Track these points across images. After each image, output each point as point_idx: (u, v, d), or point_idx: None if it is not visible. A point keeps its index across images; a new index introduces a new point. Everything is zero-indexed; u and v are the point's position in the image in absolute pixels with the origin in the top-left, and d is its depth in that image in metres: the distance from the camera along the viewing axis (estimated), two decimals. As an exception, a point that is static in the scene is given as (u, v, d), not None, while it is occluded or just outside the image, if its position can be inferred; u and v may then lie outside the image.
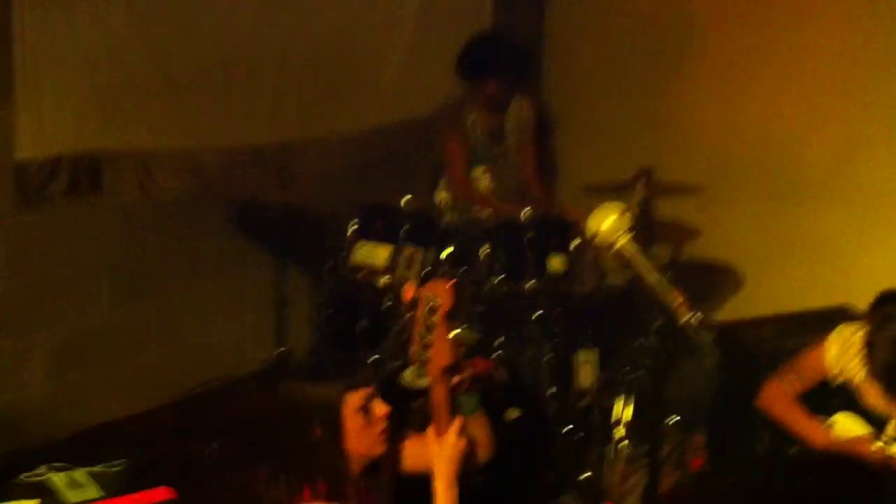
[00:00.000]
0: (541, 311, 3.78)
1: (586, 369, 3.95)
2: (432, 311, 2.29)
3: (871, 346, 2.96)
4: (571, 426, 3.63)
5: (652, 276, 2.03)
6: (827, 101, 4.57)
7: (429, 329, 2.30)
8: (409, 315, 2.39)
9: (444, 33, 5.05)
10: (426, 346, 2.31)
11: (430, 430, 2.35)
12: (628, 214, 2.05)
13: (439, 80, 4.97)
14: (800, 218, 4.69)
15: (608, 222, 2.04)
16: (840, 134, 4.55)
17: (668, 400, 4.05)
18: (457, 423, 2.32)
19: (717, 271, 5.03)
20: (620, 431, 3.74)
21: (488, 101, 4.56)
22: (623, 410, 3.79)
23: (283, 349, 4.10)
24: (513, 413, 3.51)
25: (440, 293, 2.30)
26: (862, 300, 3.55)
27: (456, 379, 2.34)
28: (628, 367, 3.99)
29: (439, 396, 2.31)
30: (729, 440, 3.94)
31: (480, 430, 2.44)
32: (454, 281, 3.49)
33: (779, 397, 3.27)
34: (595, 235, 2.05)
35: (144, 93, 4.04)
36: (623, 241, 2.04)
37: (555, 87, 5.79)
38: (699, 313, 1.98)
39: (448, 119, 4.63)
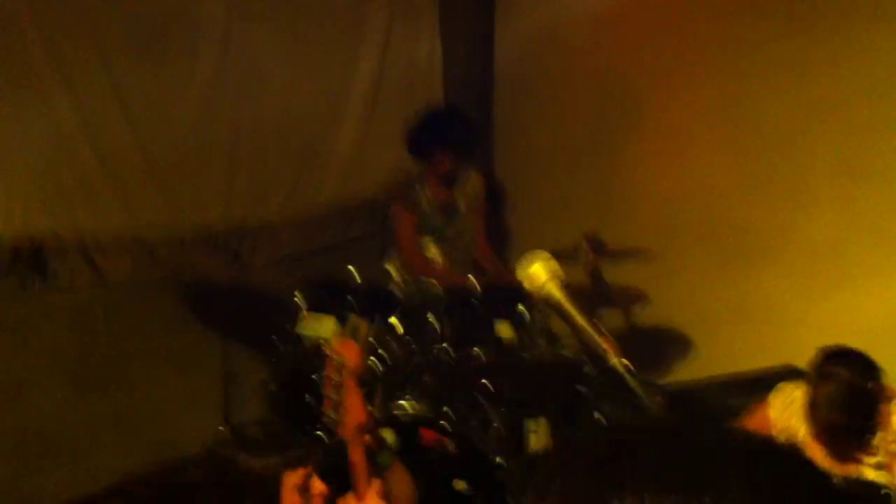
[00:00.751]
0: (487, 380, 3.76)
1: (535, 438, 3.92)
2: (339, 368, 2.29)
3: (813, 405, 2.98)
4: (521, 496, 3.56)
5: (579, 321, 2.05)
6: (768, 162, 4.62)
7: (338, 389, 2.29)
8: (321, 376, 2.39)
9: (395, 110, 5.16)
10: (337, 407, 2.30)
11: (350, 497, 2.32)
12: (554, 261, 2.09)
13: (390, 156, 5.08)
14: (746, 279, 4.70)
15: (535, 268, 2.08)
16: (782, 193, 4.58)
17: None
18: (375, 486, 2.29)
19: (666, 334, 5.04)
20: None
21: (439, 175, 4.63)
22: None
23: (224, 426, 4.04)
24: (460, 484, 3.47)
25: (347, 351, 2.30)
26: (807, 360, 3.59)
27: (367, 438, 2.32)
28: (578, 436, 3.96)
29: (356, 457, 2.29)
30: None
31: (401, 484, 2.42)
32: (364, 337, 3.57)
33: None
34: (523, 281, 2.09)
35: (91, 184, 4.10)
36: (550, 286, 2.07)
37: (504, 159, 5.90)
38: (626, 360, 2.00)
39: (399, 196, 4.68)
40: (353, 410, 2.28)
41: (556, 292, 2.08)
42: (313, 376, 3.62)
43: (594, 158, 5.35)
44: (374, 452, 2.34)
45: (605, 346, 2.03)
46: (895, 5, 4.03)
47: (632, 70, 5.15)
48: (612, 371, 2.03)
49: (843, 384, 2.93)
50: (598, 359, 2.05)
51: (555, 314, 2.13)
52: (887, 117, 4.10)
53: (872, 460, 3.05)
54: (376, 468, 2.33)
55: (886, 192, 4.15)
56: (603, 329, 2.06)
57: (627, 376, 2.02)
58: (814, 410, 2.97)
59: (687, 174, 4.94)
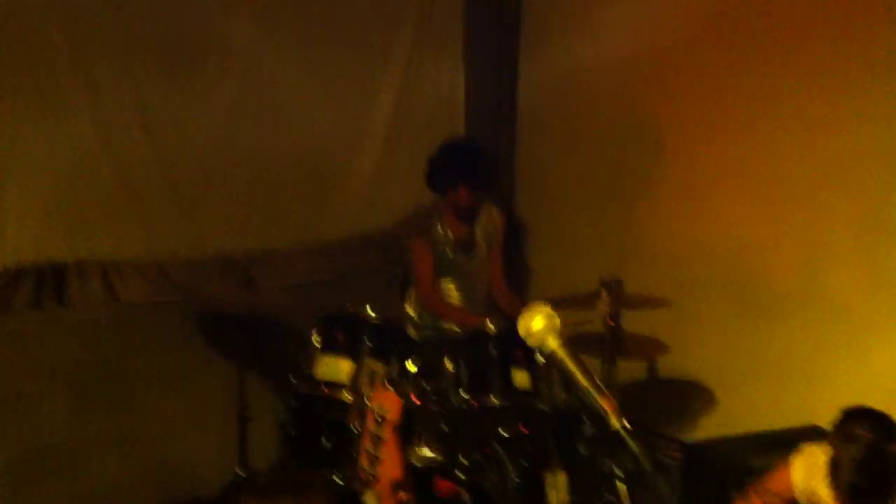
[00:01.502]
0: (504, 428, 3.71)
1: (553, 493, 3.87)
2: (380, 423, 2.23)
3: (835, 466, 2.94)
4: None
5: (583, 381, 1.99)
6: (791, 216, 4.58)
7: (376, 443, 2.23)
8: (358, 429, 2.34)
9: (416, 141, 5.13)
10: (374, 461, 2.24)
11: None
12: (556, 316, 2.02)
13: (409, 189, 5.03)
14: (766, 333, 4.65)
15: (536, 323, 2.02)
16: (803, 247, 4.54)
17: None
18: None
19: (687, 387, 4.99)
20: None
21: (458, 210, 4.57)
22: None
23: (240, 471, 4.00)
24: (476, 535, 3.42)
25: (389, 404, 2.24)
26: (828, 418, 3.54)
27: (403, 496, 2.26)
28: (598, 493, 3.91)
29: None
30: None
31: None
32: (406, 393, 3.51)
33: None
34: (522, 335, 2.03)
35: (110, 205, 4.06)
36: (553, 343, 2.01)
37: (525, 198, 5.85)
38: (629, 422, 1.94)
39: (417, 229, 4.62)
40: (389, 465, 2.23)
41: (558, 349, 2.02)
42: (333, 420, 3.59)
43: (616, 202, 5.32)
44: None
45: (605, 406, 1.97)
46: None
47: (656, 116, 5.12)
48: (612, 432, 1.98)
49: (867, 446, 2.88)
50: (599, 419, 1.99)
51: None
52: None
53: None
54: None
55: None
56: (604, 388, 2.00)
57: (628, 439, 1.96)
58: (836, 472, 2.92)
59: (708, 224, 4.90)
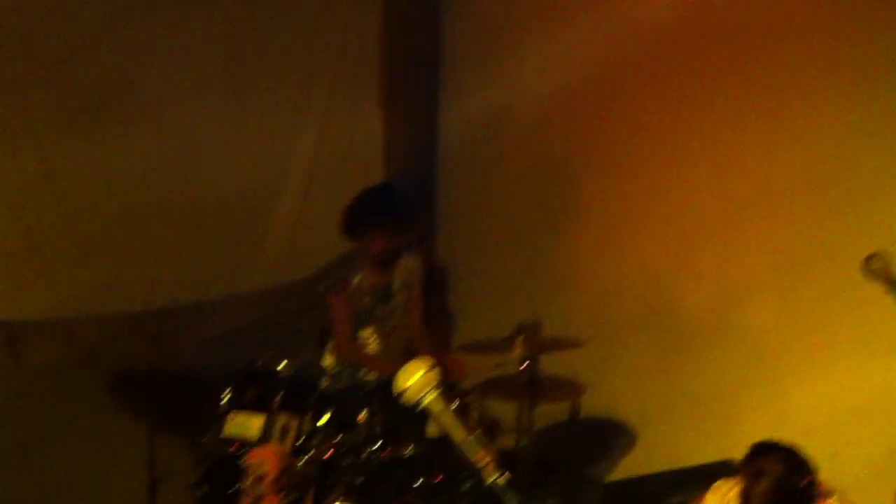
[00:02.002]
0: (422, 479, 3.65)
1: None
2: (259, 479, 2.19)
3: (745, 499, 2.93)
4: None
5: (459, 435, 1.99)
6: (705, 250, 4.63)
7: (256, 501, 2.19)
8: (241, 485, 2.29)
9: (333, 188, 5.08)
10: None
11: None
12: (434, 372, 2.03)
13: (327, 238, 4.98)
14: (684, 369, 4.68)
15: (413, 379, 2.02)
16: (718, 282, 4.60)
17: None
18: None
19: (607, 427, 4.99)
20: None
21: (375, 257, 4.52)
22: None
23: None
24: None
25: (267, 460, 2.20)
26: (744, 452, 3.56)
27: None
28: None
29: None
30: None
31: None
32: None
33: None
34: (403, 392, 2.02)
35: (12, 262, 3.94)
36: (430, 398, 2.02)
37: (446, 241, 5.85)
38: (507, 474, 1.94)
39: (334, 280, 4.56)
40: None
41: (436, 405, 2.03)
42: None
43: (535, 243, 5.35)
44: None
45: (483, 462, 1.97)
46: (823, 100, 4.09)
47: (573, 156, 5.18)
48: (491, 487, 1.97)
49: (775, 481, 2.88)
50: (478, 473, 1.99)
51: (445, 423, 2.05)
52: (817, 211, 4.15)
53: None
54: None
55: (821, 283, 4.17)
56: (483, 443, 2.01)
57: (506, 493, 1.96)
58: None
59: (625, 262, 4.94)
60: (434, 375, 2.06)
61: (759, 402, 4.35)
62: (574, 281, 5.15)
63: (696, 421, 4.54)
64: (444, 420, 2.06)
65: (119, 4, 4.16)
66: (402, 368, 2.09)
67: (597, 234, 5.08)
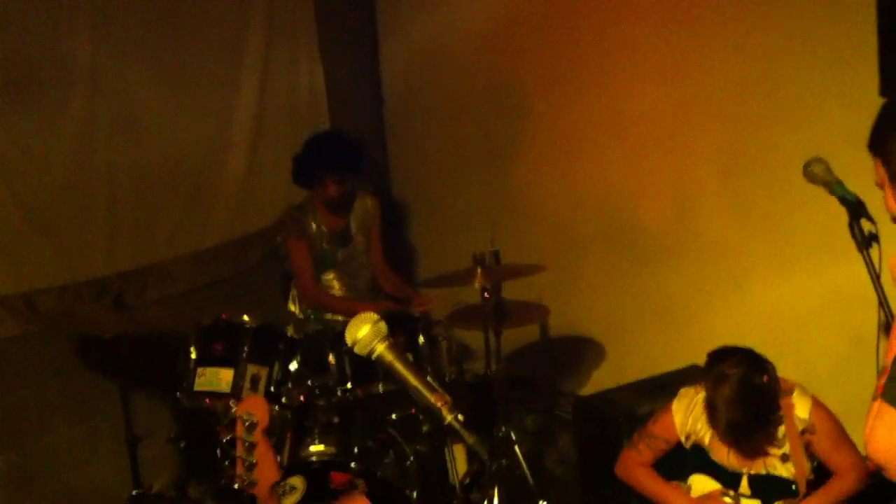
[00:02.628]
0: (395, 414, 3.71)
1: (452, 467, 3.91)
2: (250, 428, 2.22)
3: (711, 408, 3.03)
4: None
5: (413, 381, 2.04)
6: (655, 160, 4.66)
7: (249, 449, 2.23)
8: (228, 437, 2.33)
9: (280, 139, 5.08)
10: (250, 467, 2.23)
11: None
12: (382, 324, 2.07)
13: (278, 188, 4.99)
14: (645, 280, 4.75)
15: (362, 332, 2.06)
16: (672, 192, 4.64)
17: (538, 483, 4.10)
18: None
19: (576, 344, 5.08)
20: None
21: (330, 202, 4.53)
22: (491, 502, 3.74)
23: (136, 491, 3.92)
24: (378, 524, 3.42)
25: (256, 409, 2.23)
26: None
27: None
28: (492, 458, 3.96)
29: None
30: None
31: None
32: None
33: (634, 465, 3.32)
34: (354, 344, 2.06)
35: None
36: (380, 348, 2.06)
37: (400, 180, 5.86)
38: (460, 415, 1.99)
39: (291, 227, 4.55)
40: (266, 470, 2.23)
41: (387, 354, 2.07)
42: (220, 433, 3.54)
43: (489, 172, 5.37)
44: None
45: (438, 403, 2.02)
46: (763, 7, 4.11)
47: (516, 79, 5.17)
48: (448, 427, 2.03)
49: (736, 382, 2.97)
50: (434, 416, 2.04)
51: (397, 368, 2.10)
52: (761, 113, 4.18)
53: (778, 452, 3.11)
54: None
55: (771, 188, 4.23)
56: (436, 385, 2.06)
57: (462, 431, 2.02)
58: (713, 413, 3.01)
59: (578, 180, 4.98)
60: (382, 327, 2.09)
61: (722, 306, 4.44)
62: (530, 205, 5.19)
63: (663, 330, 4.64)
64: (397, 368, 2.10)
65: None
66: (349, 323, 2.13)
67: (549, 156, 5.10)
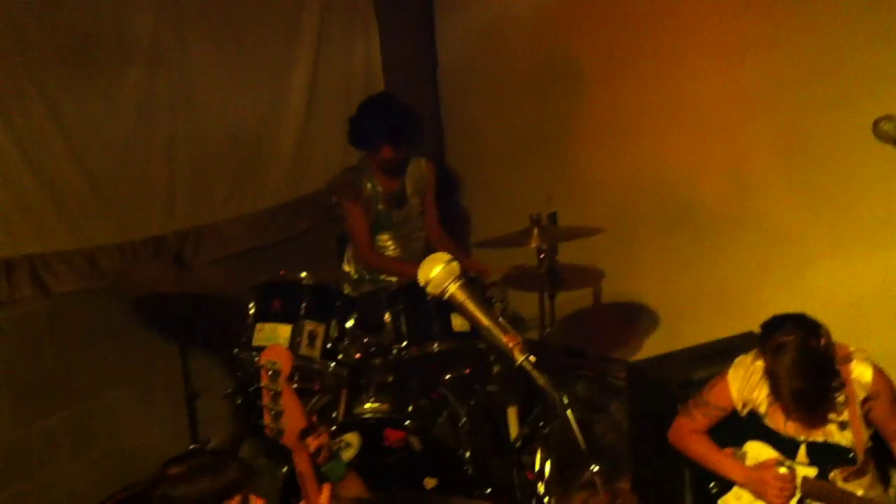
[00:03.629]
0: (450, 373, 3.73)
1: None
2: (274, 377, 2.24)
3: (773, 378, 2.98)
4: (490, 488, 3.54)
5: (484, 320, 2.04)
6: (714, 141, 4.65)
7: (275, 398, 2.24)
8: (254, 387, 2.35)
9: (335, 107, 5.09)
10: (277, 416, 2.25)
11: None
12: (455, 263, 2.07)
13: (334, 149, 5.00)
14: (701, 253, 4.75)
15: (435, 271, 2.06)
16: (731, 170, 4.62)
17: (589, 449, 4.08)
18: (326, 492, 2.25)
19: (630, 310, 5.06)
20: (541, 488, 3.69)
21: (384, 166, 4.54)
22: (542, 465, 3.74)
23: (194, 445, 3.99)
24: (430, 482, 3.44)
25: (279, 357, 2.25)
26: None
27: (313, 442, 2.28)
28: (542, 422, 3.97)
29: (302, 465, 2.25)
30: (653, 481, 3.92)
31: (355, 492, 2.38)
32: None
33: (688, 433, 3.28)
34: (427, 285, 2.07)
35: (31, 205, 3.97)
36: (453, 288, 2.07)
37: (454, 151, 5.85)
38: (532, 356, 1.99)
39: (346, 189, 4.58)
40: (292, 417, 2.24)
41: (457, 292, 2.07)
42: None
43: (544, 143, 5.36)
44: (324, 464, 2.31)
45: (510, 344, 2.02)
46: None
47: (577, 57, 5.15)
48: (520, 369, 2.03)
49: (796, 349, 2.93)
50: (506, 357, 2.05)
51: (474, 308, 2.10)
52: (824, 98, 4.13)
53: (837, 419, 3.07)
54: (329, 477, 2.29)
55: (834, 170, 4.19)
56: (508, 327, 2.06)
57: (533, 372, 2.01)
58: (775, 383, 2.97)
59: (636, 157, 4.96)
60: (455, 267, 2.09)
61: (780, 284, 4.42)
62: (585, 177, 5.19)
63: (718, 301, 4.62)
64: (469, 308, 2.09)
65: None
66: (422, 263, 2.12)
67: (605, 131, 5.08)
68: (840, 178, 4.16)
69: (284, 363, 2.24)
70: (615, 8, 4.88)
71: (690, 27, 4.56)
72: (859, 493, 3.07)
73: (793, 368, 2.91)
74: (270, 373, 2.24)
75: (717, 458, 3.22)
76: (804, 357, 2.93)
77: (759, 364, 3.12)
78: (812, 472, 3.09)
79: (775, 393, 3.00)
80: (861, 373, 3.06)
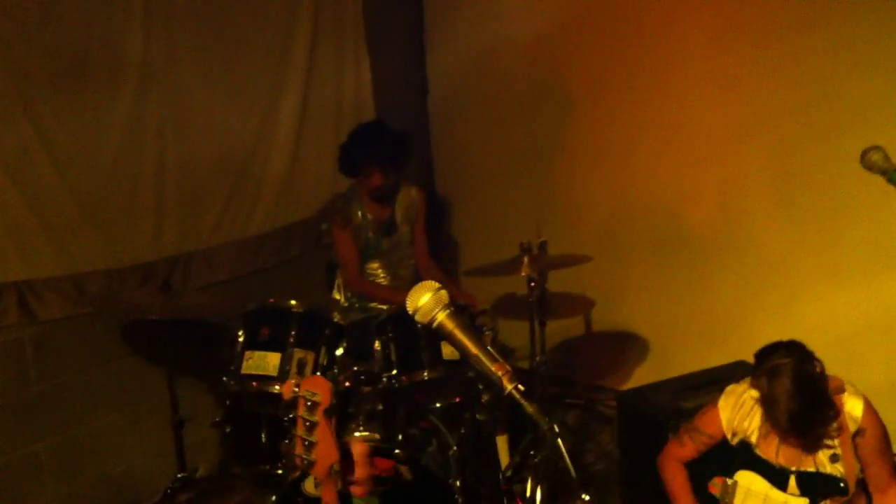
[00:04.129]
0: (439, 402, 3.71)
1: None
2: (312, 407, 2.23)
3: (769, 403, 2.98)
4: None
5: (473, 350, 2.02)
6: (704, 167, 4.68)
7: (310, 428, 2.23)
8: (290, 416, 2.33)
9: (327, 135, 5.11)
10: (309, 447, 2.24)
11: None
12: (443, 292, 2.06)
13: (324, 175, 5.01)
14: (691, 280, 4.75)
15: (424, 299, 2.05)
16: (719, 197, 4.64)
17: (580, 478, 4.07)
18: None
19: (619, 339, 5.06)
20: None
21: (374, 192, 4.55)
22: (533, 494, 3.72)
23: (182, 474, 3.95)
24: (421, 511, 3.42)
25: (318, 388, 2.23)
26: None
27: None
28: (533, 451, 3.95)
29: (328, 497, 2.23)
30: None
31: None
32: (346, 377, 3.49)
33: (671, 459, 3.31)
34: (415, 313, 2.05)
35: (19, 229, 3.95)
36: (441, 316, 2.05)
37: (444, 176, 5.87)
38: (521, 385, 1.97)
39: (336, 216, 4.58)
40: (325, 448, 2.23)
41: (448, 323, 2.05)
42: (267, 414, 3.56)
43: (534, 169, 5.38)
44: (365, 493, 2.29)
45: (499, 373, 2.00)
46: (817, 17, 4.08)
47: (566, 82, 5.18)
48: (509, 398, 2.01)
49: (793, 371, 2.94)
50: (495, 386, 2.02)
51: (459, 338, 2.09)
52: (814, 127, 4.17)
53: (829, 452, 3.07)
54: None
55: (824, 201, 4.22)
56: (497, 356, 2.04)
57: (522, 401, 1.99)
58: (773, 408, 2.97)
59: (626, 182, 4.99)
60: (443, 295, 2.08)
61: (770, 311, 4.45)
62: (576, 204, 5.20)
63: (708, 329, 4.63)
64: (458, 337, 2.08)
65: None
66: (411, 291, 2.11)
67: (595, 156, 5.10)
68: (829, 206, 4.19)
69: (325, 394, 2.22)
70: (607, 34, 4.91)
71: (683, 54, 4.60)
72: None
73: (789, 390, 2.92)
74: (309, 403, 2.22)
75: (680, 495, 3.26)
76: (800, 379, 2.94)
77: (752, 393, 3.12)
78: (803, 503, 3.08)
79: (771, 419, 3.00)
80: (853, 406, 3.07)
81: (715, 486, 3.27)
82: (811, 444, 3.06)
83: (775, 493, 3.11)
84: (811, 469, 3.08)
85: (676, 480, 3.28)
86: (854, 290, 4.12)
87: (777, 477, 3.11)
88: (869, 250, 4.05)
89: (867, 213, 3.96)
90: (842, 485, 3.06)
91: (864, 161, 2.57)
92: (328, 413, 2.24)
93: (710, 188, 4.67)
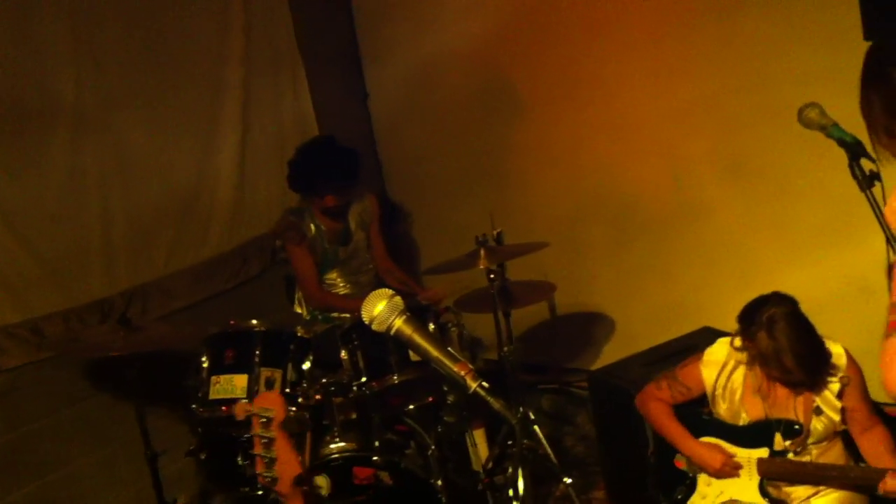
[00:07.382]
0: (413, 404, 3.70)
1: (473, 451, 3.91)
2: (267, 423, 2.21)
3: (773, 354, 2.98)
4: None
5: (433, 353, 2.03)
6: (651, 157, 4.71)
7: (268, 445, 2.22)
8: (246, 436, 2.31)
9: (272, 148, 5.09)
10: (270, 463, 2.22)
11: None
12: (398, 298, 2.07)
13: (274, 192, 4.98)
14: (648, 252, 4.78)
15: (379, 308, 2.06)
16: (668, 184, 4.67)
17: (561, 462, 4.09)
18: None
19: (585, 320, 5.09)
20: (517, 505, 3.68)
21: (328, 212, 4.53)
22: (516, 483, 3.73)
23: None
24: (405, 514, 3.41)
25: (272, 404, 2.22)
26: (719, 318, 3.65)
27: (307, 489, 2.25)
28: (511, 441, 3.96)
29: None
30: (626, 486, 3.93)
31: None
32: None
33: (652, 399, 3.35)
34: (371, 322, 2.06)
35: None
36: (398, 323, 2.06)
37: (396, 186, 5.87)
38: (485, 382, 1.99)
39: (289, 232, 4.55)
40: (287, 464, 2.22)
41: (405, 328, 2.07)
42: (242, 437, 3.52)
43: (486, 170, 5.42)
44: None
45: (462, 372, 2.02)
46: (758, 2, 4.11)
47: (513, 80, 5.18)
48: (474, 396, 2.03)
49: (788, 316, 2.98)
50: (459, 386, 2.04)
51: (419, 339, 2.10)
52: (757, 106, 4.20)
53: (813, 404, 3.10)
54: None
55: (769, 178, 4.27)
56: (458, 356, 2.07)
57: (488, 397, 2.01)
58: (778, 355, 2.97)
59: (580, 177, 5.02)
60: (398, 301, 2.08)
61: (723, 269, 4.50)
62: (531, 199, 5.24)
63: (670, 298, 4.67)
64: (417, 341, 2.08)
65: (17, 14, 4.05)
66: (364, 302, 2.11)
67: (548, 154, 5.14)
68: (778, 180, 4.23)
69: (278, 409, 2.21)
70: (545, 34, 4.93)
71: (621, 48, 4.63)
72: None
73: (791, 334, 2.95)
74: (263, 420, 2.21)
75: (671, 427, 3.28)
76: (798, 322, 2.99)
77: (737, 356, 3.17)
78: (763, 453, 3.12)
79: (777, 369, 2.99)
80: (838, 354, 3.12)
81: (680, 460, 3.31)
82: (815, 383, 3.08)
83: (740, 451, 3.16)
84: (795, 418, 3.10)
85: (661, 411, 3.31)
86: (807, 260, 4.16)
87: (760, 434, 3.12)
88: (818, 223, 4.09)
89: (816, 185, 4.01)
90: (797, 426, 3.08)
91: (802, 118, 2.59)
92: (285, 426, 2.23)
93: (659, 173, 4.70)
